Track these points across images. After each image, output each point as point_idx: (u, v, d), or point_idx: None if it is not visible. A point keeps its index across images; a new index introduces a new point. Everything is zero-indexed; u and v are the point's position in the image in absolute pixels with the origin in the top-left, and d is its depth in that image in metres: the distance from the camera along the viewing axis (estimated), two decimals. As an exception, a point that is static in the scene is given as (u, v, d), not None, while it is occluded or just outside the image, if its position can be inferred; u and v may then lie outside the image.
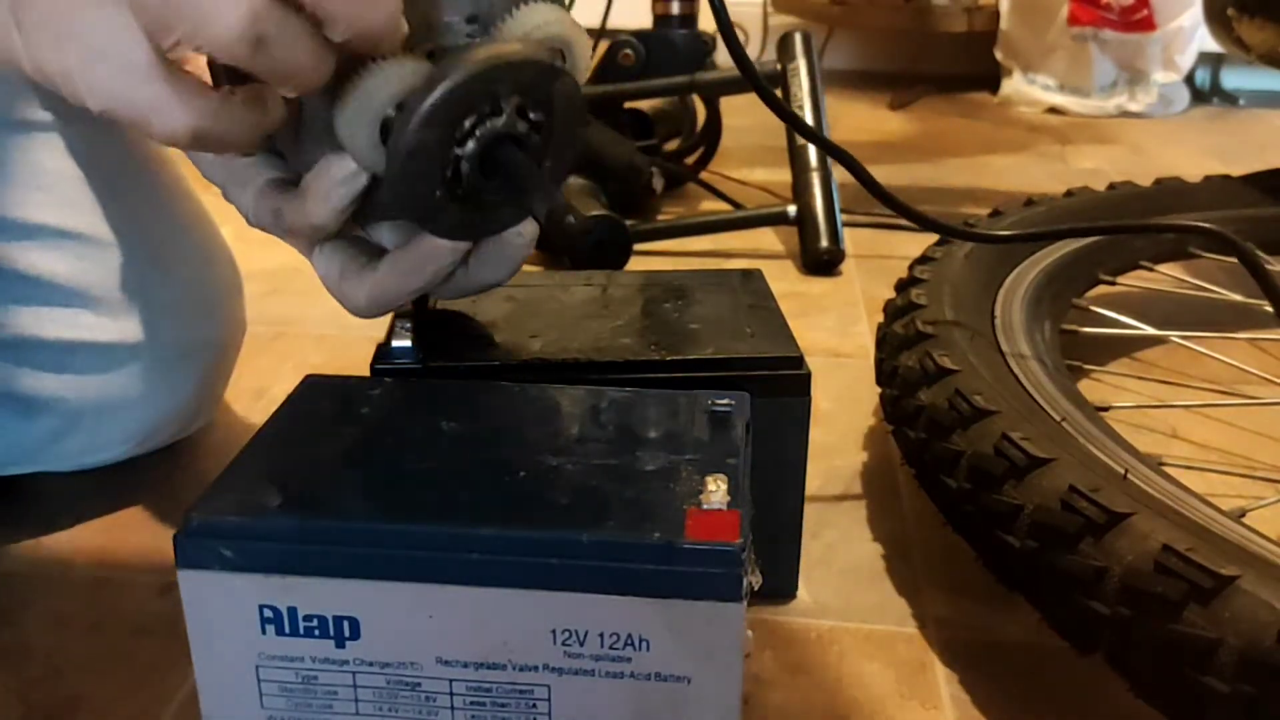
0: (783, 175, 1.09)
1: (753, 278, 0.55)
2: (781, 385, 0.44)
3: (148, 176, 0.60)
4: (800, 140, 1.05)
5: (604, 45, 1.10)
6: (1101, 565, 0.40)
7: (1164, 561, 0.38)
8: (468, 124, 0.35)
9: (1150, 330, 0.73)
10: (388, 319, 0.47)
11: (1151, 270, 0.79)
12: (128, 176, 0.59)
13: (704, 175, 1.19)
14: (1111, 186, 0.87)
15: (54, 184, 0.55)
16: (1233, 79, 1.88)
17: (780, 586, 0.51)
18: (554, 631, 0.33)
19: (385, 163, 0.35)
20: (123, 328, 0.56)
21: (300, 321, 0.84)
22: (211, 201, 0.65)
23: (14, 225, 0.54)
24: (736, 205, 1.13)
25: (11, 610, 0.51)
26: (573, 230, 0.35)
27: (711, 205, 1.16)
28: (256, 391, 0.72)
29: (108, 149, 0.58)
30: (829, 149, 0.56)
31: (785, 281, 0.95)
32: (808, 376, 0.46)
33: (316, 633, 0.34)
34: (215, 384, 0.64)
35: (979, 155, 1.44)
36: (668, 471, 0.36)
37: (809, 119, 1.05)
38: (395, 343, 0.45)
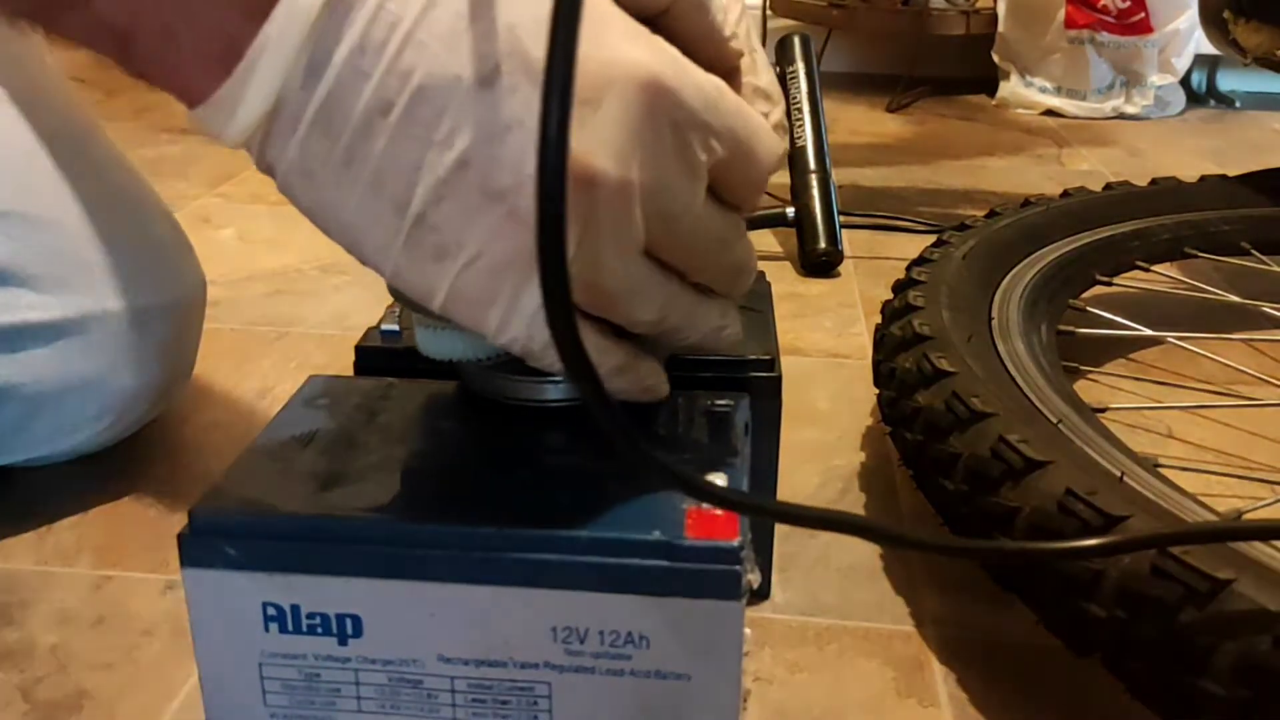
0: (781, 177, 1.09)
1: (755, 280, 0.55)
2: (750, 387, 0.43)
3: (75, 147, 0.59)
4: (799, 142, 1.05)
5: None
6: (1098, 568, 0.40)
7: (1160, 564, 0.38)
8: None
9: (1147, 331, 0.74)
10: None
11: (1148, 271, 0.79)
12: (56, 150, 0.57)
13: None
14: (1108, 187, 0.88)
15: None
16: (1228, 81, 1.88)
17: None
18: (554, 629, 0.33)
19: None
20: (66, 304, 0.55)
21: (303, 322, 0.84)
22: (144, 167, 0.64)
23: None
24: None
25: (14, 607, 0.51)
26: None
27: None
28: (260, 391, 0.72)
29: (33, 122, 0.57)
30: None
31: (784, 283, 0.95)
32: (778, 379, 0.45)
33: (319, 630, 0.34)
34: (183, 348, 0.62)
35: (976, 157, 1.44)
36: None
37: (808, 121, 1.06)
38: (384, 325, 0.46)
